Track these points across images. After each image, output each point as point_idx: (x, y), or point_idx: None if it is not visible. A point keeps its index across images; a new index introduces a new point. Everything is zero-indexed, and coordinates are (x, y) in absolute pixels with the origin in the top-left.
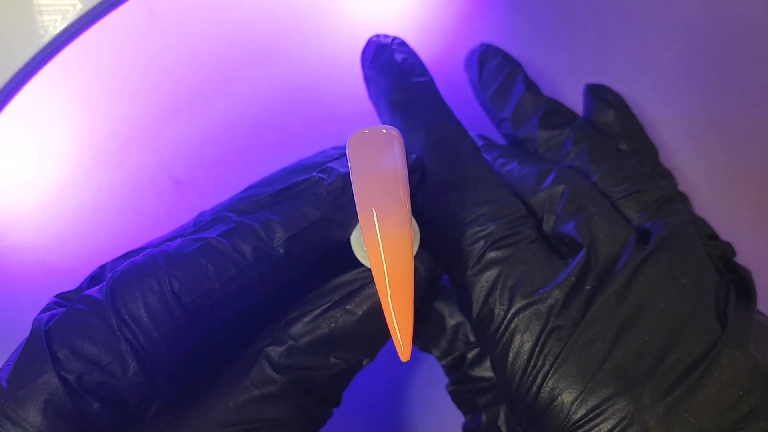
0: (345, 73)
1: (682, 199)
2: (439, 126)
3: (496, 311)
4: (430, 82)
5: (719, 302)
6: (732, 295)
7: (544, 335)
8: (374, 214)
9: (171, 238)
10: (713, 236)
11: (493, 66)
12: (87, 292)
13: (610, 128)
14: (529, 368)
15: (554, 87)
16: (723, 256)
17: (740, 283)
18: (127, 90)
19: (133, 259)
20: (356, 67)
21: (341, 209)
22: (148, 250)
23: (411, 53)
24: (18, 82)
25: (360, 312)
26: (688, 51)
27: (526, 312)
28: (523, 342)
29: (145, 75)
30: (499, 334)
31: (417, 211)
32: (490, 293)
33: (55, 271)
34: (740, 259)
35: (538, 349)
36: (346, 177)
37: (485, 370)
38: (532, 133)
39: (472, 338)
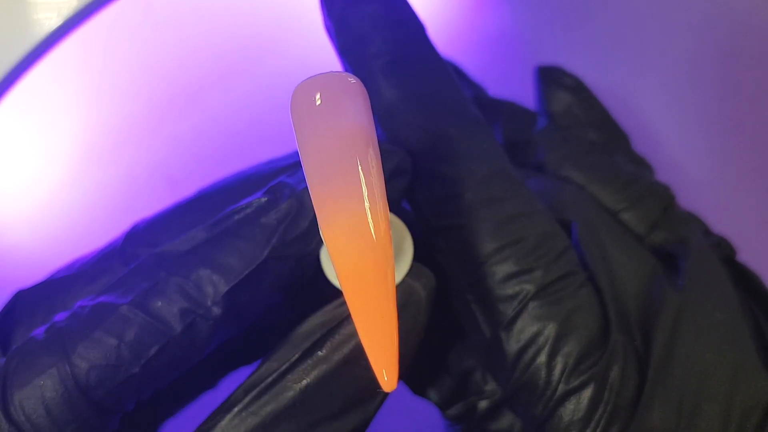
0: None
1: (669, 192)
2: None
3: (541, 384)
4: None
5: (750, 331)
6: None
7: (603, 421)
8: (332, 208)
9: (91, 266)
10: (707, 232)
11: None
12: None
13: (574, 118)
14: None
15: None
16: (725, 256)
17: (748, 283)
18: (122, 87)
19: (34, 333)
20: None
21: (298, 240)
22: (57, 319)
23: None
24: (11, 80)
25: (339, 357)
26: (693, 50)
27: (584, 391)
28: (576, 427)
29: (140, 72)
30: (546, 412)
31: (411, 215)
32: (533, 359)
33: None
34: (745, 258)
35: None
36: (302, 195)
37: (508, 420)
38: None
39: (486, 387)
